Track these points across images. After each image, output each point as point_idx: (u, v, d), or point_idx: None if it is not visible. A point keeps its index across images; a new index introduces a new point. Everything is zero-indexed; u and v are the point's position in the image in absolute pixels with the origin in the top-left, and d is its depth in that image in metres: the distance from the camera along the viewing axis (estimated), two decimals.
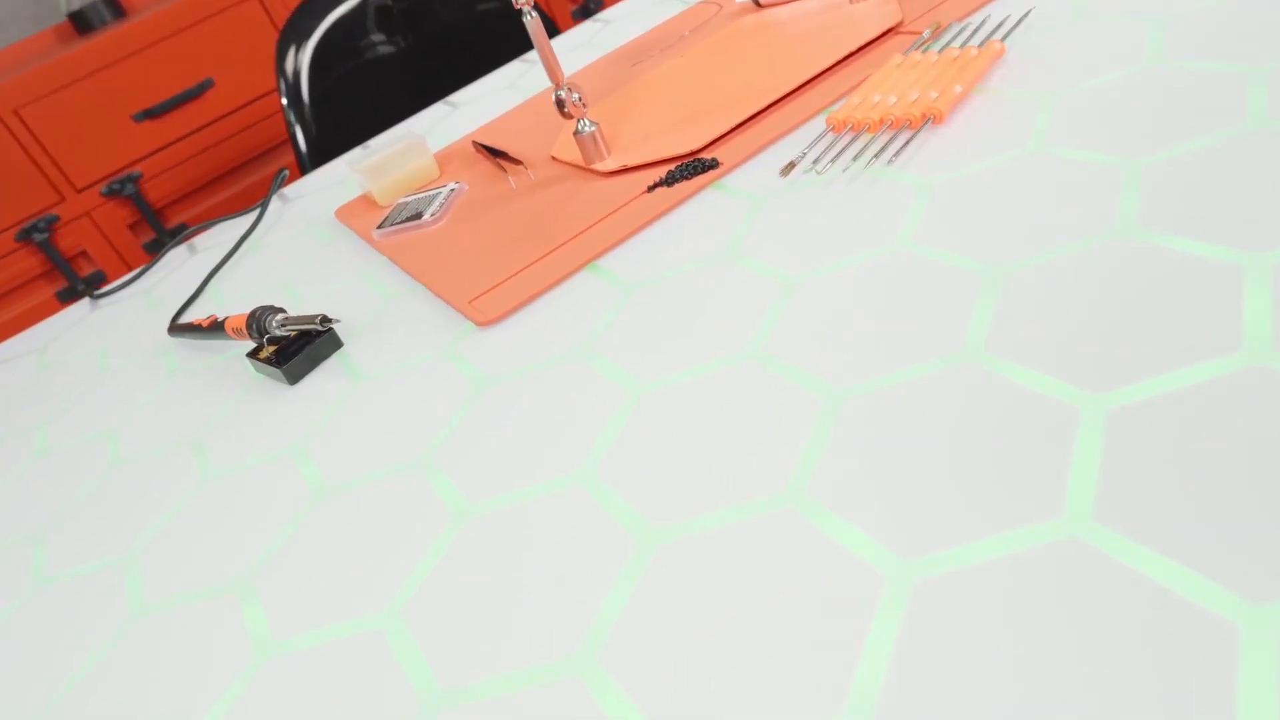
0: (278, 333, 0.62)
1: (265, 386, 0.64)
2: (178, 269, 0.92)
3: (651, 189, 0.66)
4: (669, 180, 0.66)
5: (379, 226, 0.77)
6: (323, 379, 0.62)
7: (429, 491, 0.48)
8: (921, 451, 0.38)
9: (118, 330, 0.84)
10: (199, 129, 1.81)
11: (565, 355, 0.54)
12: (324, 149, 1.43)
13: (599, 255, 0.61)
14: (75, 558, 0.55)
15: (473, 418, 0.52)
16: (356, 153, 1.02)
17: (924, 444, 0.39)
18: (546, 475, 0.46)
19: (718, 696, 0.33)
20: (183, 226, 1.83)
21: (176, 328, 0.75)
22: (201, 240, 0.97)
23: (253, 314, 0.63)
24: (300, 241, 0.85)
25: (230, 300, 0.80)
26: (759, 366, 0.47)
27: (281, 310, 0.63)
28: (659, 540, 0.40)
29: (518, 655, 0.37)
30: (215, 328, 0.69)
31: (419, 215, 0.75)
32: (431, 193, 0.79)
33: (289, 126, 1.41)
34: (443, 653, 0.39)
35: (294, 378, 0.62)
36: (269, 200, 0.93)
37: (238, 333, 0.65)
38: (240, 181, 1.84)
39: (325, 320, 0.59)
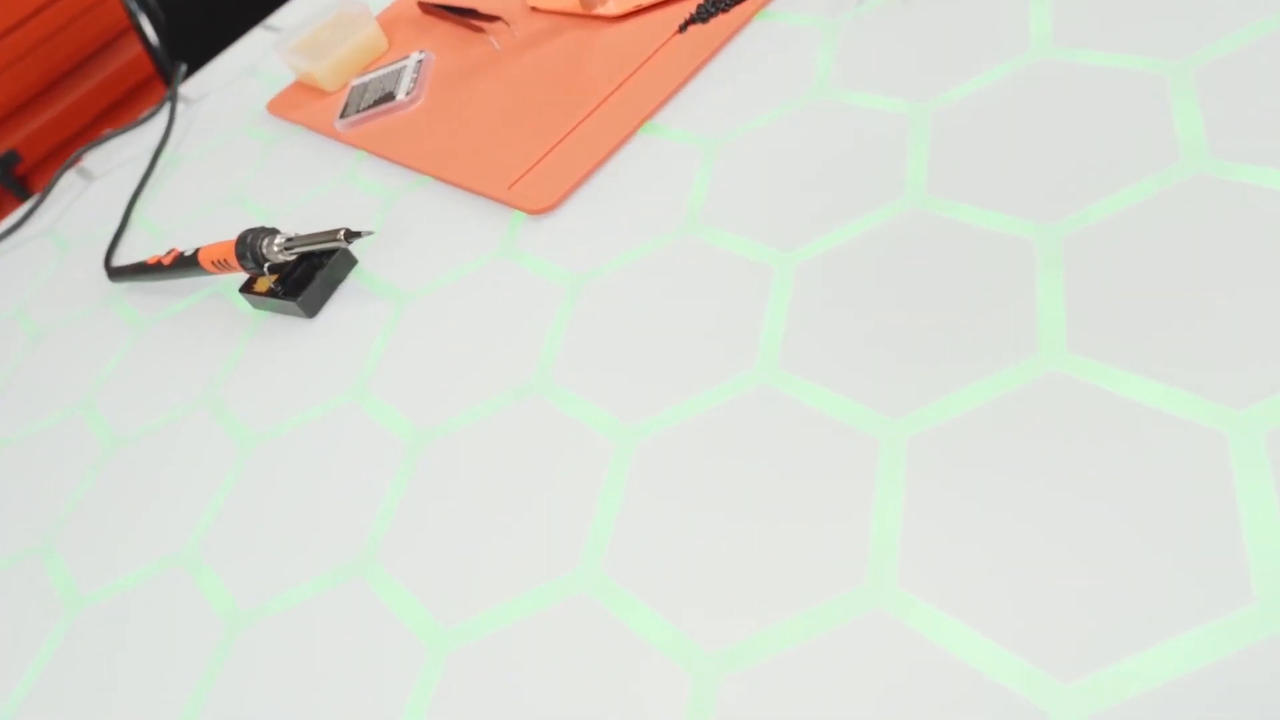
0: (281, 258, 0.52)
1: (272, 325, 0.54)
2: (77, 200, 0.77)
3: (683, 28, 0.57)
4: (702, 15, 0.57)
5: (342, 115, 0.65)
6: (345, 305, 0.52)
7: (567, 419, 0.40)
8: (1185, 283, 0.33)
9: (31, 283, 0.69)
10: (4, 34, 1.53)
11: (666, 233, 0.46)
12: (182, 38, 1.23)
13: (652, 113, 0.53)
14: (116, 564, 0.45)
15: (581, 324, 0.44)
16: (258, 33, 0.86)
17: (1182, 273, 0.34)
18: (723, 375, 0.39)
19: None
20: (13, 154, 1.57)
21: (121, 271, 0.62)
22: (93, 163, 0.81)
23: (242, 239, 0.52)
24: (233, 147, 0.72)
25: (169, 229, 0.66)
26: (929, 215, 0.40)
27: (274, 230, 0.52)
28: (905, 432, 0.34)
29: (813, 592, 0.32)
30: (183, 263, 0.57)
31: (390, 96, 0.64)
32: (393, 67, 0.67)
33: (132, 16, 1.20)
34: (688, 607, 0.33)
35: (312, 309, 0.52)
36: (175, 102, 0.78)
37: (220, 265, 0.54)
38: (74, 90, 1.59)
39: (351, 234, 0.48)
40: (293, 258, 0.52)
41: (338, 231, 0.49)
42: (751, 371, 0.38)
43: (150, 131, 0.81)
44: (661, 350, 0.41)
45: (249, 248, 0.52)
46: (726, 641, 0.31)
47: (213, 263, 0.55)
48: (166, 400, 0.52)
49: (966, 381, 0.34)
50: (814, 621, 0.31)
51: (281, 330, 0.53)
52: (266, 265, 0.52)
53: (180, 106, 0.81)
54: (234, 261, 0.53)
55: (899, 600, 0.30)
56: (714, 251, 0.44)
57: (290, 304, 0.52)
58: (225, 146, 0.72)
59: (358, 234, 0.48)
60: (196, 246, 0.58)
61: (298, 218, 0.61)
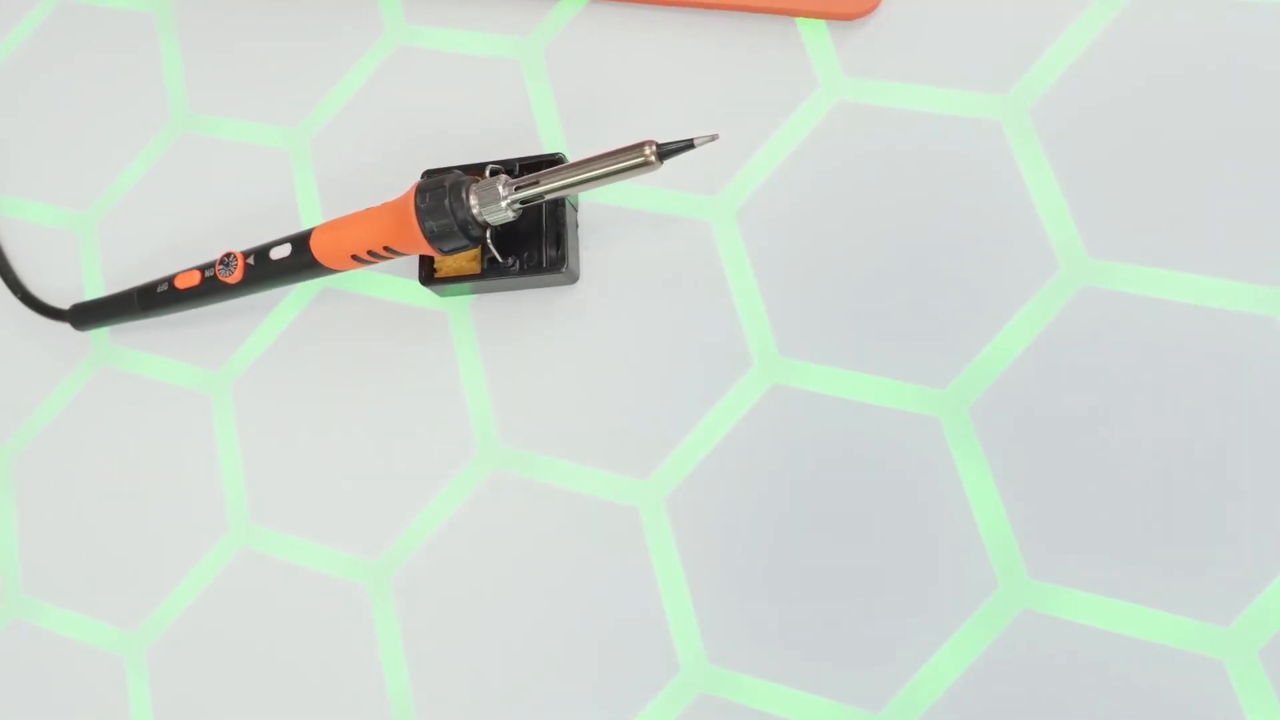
0: (510, 216, 0.32)
1: (490, 310, 0.35)
2: None
3: None
4: None
5: None
6: (602, 248, 0.35)
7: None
8: None
9: None
10: None
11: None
12: None
13: None
14: None
15: (1086, 172, 0.31)
16: None
17: None
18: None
19: None
20: None
21: (104, 310, 0.38)
22: None
23: (435, 207, 0.31)
24: (113, 36, 0.43)
25: (106, 208, 0.41)
26: None
27: (451, 172, 0.32)
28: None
29: None
30: (271, 272, 0.34)
31: None
32: None
33: None
34: None
35: (574, 272, 0.34)
36: None
37: (379, 254, 0.33)
38: None
39: (667, 150, 0.29)
40: (517, 211, 0.32)
41: (640, 148, 0.29)
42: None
43: None
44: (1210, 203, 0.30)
45: (451, 214, 0.31)
46: None
47: (355, 256, 0.34)
48: (411, 490, 0.34)
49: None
50: None
51: (525, 314, 0.35)
52: (489, 232, 0.32)
53: None
54: (414, 240, 0.32)
55: None
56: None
57: (543, 276, 0.34)
58: (99, 36, 0.43)
59: (683, 145, 0.30)
60: (291, 236, 0.34)
61: (359, 131, 0.38)
